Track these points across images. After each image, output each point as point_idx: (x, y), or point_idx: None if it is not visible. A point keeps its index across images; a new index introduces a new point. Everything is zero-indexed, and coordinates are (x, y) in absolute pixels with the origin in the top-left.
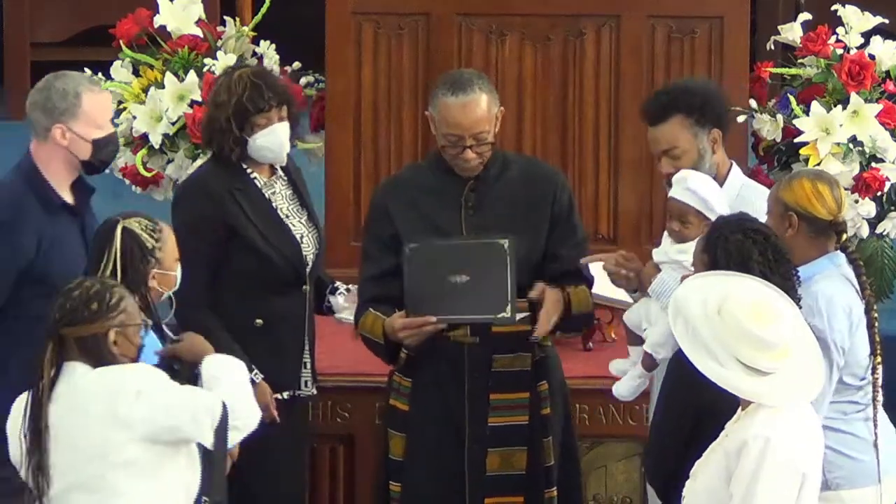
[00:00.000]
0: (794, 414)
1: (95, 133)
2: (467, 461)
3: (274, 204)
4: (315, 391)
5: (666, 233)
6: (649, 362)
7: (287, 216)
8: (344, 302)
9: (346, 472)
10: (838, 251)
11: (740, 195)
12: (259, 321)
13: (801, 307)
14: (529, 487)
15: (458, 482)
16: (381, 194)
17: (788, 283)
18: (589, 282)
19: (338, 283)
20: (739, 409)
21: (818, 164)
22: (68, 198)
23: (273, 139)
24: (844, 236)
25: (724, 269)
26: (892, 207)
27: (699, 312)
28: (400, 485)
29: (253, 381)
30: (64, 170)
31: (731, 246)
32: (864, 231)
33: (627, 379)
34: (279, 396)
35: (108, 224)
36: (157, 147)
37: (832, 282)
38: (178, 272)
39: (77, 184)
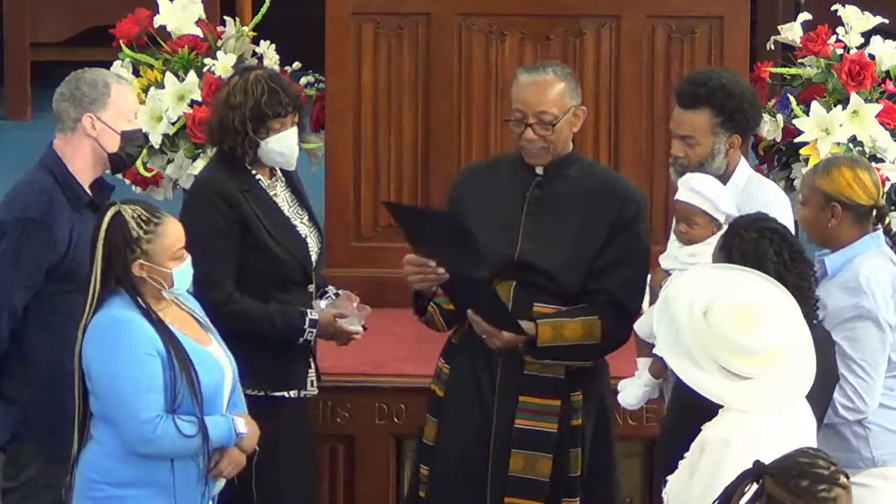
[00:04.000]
0: (769, 419)
1: (124, 125)
2: (491, 457)
3: (278, 205)
4: (317, 390)
5: (672, 237)
6: (658, 368)
7: (290, 217)
8: (325, 306)
9: (346, 473)
10: (879, 231)
11: (746, 189)
12: None
13: (817, 307)
14: (550, 495)
15: (481, 475)
16: (460, 178)
17: (804, 283)
18: (620, 312)
19: (329, 287)
20: None
21: None
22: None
23: (285, 144)
24: (887, 220)
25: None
26: (893, 207)
27: (684, 314)
28: (428, 469)
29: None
30: (90, 165)
31: (746, 244)
32: None
33: (634, 387)
34: (287, 395)
35: (106, 207)
36: (156, 147)
37: (875, 260)
38: (176, 270)
39: (97, 181)
